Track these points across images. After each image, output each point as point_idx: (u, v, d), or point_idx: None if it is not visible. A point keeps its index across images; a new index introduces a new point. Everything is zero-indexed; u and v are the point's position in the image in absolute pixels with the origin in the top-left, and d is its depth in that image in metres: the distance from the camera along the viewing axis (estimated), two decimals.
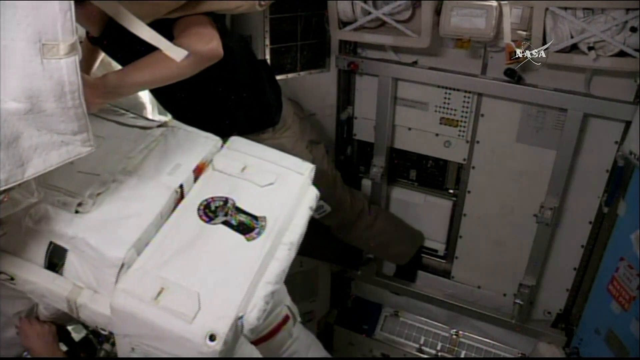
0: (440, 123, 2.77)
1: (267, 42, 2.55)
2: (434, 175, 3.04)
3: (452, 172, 2.98)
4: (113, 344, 1.59)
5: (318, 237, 2.87)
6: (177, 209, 1.53)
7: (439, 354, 3.26)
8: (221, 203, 1.55)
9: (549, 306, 2.97)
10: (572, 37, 2.10)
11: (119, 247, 1.35)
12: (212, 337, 1.25)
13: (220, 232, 1.48)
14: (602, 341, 2.47)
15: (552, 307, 2.96)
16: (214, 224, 1.50)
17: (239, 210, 1.54)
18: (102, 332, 1.55)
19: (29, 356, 1.73)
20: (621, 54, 2.06)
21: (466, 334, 3.29)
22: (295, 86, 2.72)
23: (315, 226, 2.68)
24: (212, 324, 1.27)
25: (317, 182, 2.44)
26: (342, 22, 2.46)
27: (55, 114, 1.12)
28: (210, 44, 1.48)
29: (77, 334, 1.88)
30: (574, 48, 2.16)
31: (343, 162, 3.12)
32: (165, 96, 2.07)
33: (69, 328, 1.86)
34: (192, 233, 1.46)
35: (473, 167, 2.83)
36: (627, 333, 2.28)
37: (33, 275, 1.43)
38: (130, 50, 1.64)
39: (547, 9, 2.07)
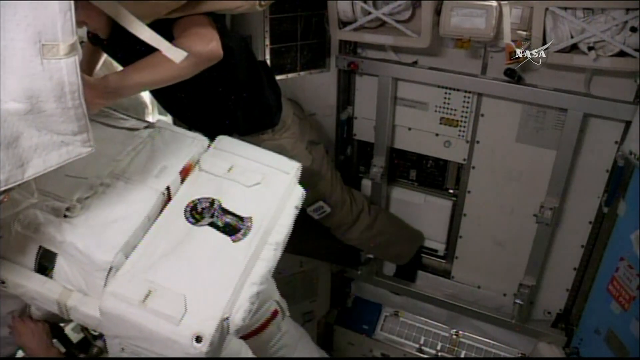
0: (440, 123, 2.77)
1: (267, 42, 2.55)
2: (434, 175, 3.04)
3: (452, 172, 2.98)
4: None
5: (318, 237, 2.88)
6: (164, 211, 1.56)
7: (439, 354, 3.26)
8: (207, 204, 1.57)
9: (549, 306, 2.97)
10: (572, 37, 2.10)
11: (107, 251, 1.38)
12: (198, 339, 1.28)
13: (207, 234, 1.50)
14: (602, 341, 2.47)
15: (552, 307, 2.96)
16: (201, 225, 1.52)
17: (225, 212, 1.56)
18: (93, 332, 1.59)
19: (23, 355, 1.74)
20: (621, 54, 2.06)
21: (466, 334, 3.29)
22: (295, 86, 2.72)
23: (315, 226, 2.69)
24: (198, 326, 1.30)
25: (316, 182, 2.46)
26: (342, 22, 2.46)
27: (55, 114, 1.12)
28: (210, 44, 1.48)
29: (76, 335, 1.88)
30: (574, 48, 2.16)
31: (343, 162, 3.12)
32: (165, 96, 2.07)
33: (68, 328, 1.86)
34: (179, 235, 1.49)
35: (473, 167, 2.83)
36: (627, 333, 2.27)
37: (23, 279, 1.45)
38: (130, 50, 1.64)
39: (547, 9, 2.07)
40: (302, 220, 2.63)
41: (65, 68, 1.08)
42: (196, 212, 1.55)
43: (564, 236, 2.74)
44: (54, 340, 1.72)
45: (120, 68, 2.03)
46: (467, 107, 2.68)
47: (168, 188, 1.58)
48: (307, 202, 2.54)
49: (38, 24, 1.03)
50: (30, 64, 1.06)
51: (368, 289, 3.49)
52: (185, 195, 1.59)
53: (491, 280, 3.08)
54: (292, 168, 1.77)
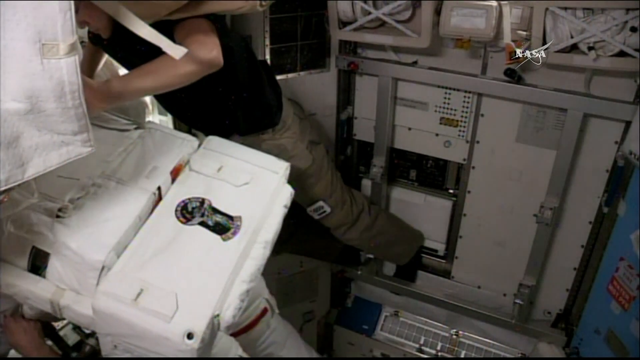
0: (440, 123, 2.77)
1: (267, 42, 2.55)
2: (434, 175, 3.04)
3: (452, 172, 2.98)
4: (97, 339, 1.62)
5: (318, 237, 2.88)
6: (155, 211, 1.58)
7: (439, 354, 3.26)
8: (198, 204, 1.60)
9: (549, 306, 2.97)
10: (572, 37, 2.10)
11: (99, 251, 1.40)
12: (189, 336, 1.31)
13: (197, 233, 1.53)
14: (602, 341, 2.47)
15: (552, 307, 2.96)
16: (191, 225, 1.55)
17: (215, 211, 1.59)
18: (86, 330, 1.60)
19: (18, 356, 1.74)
20: (621, 54, 2.06)
21: (466, 334, 3.29)
22: (295, 86, 2.72)
23: (315, 226, 2.69)
24: (189, 323, 1.32)
25: (317, 182, 2.46)
26: (342, 22, 2.46)
27: (55, 114, 1.12)
28: (211, 53, 1.50)
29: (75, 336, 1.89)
30: (574, 48, 2.16)
31: (343, 162, 3.12)
32: (165, 96, 2.06)
33: (69, 329, 1.87)
34: (169, 235, 1.51)
35: (473, 167, 2.83)
36: (627, 333, 2.27)
37: (17, 279, 1.47)
38: (131, 49, 1.64)
39: (547, 9, 2.07)
40: (302, 220, 2.65)
41: (66, 68, 1.08)
42: (186, 212, 1.57)
43: (564, 236, 2.74)
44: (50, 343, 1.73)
45: (120, 68, 2.04)
46: (467, 107, 2.68)
47: (159, 188, 1.61)
48: (307, 202, 2.55)
49: (38, 23, 1.03)
50: (30, 64, 1.06)
51: (368, 289, 3.49)
52: (175, 195, 1.62)
53: (491, 280, 3.08)
54: (281, 168, 1.80)
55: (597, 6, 2.02)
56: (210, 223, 1.55)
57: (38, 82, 1.07)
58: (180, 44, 1.47)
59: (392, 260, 3.25)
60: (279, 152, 2.22)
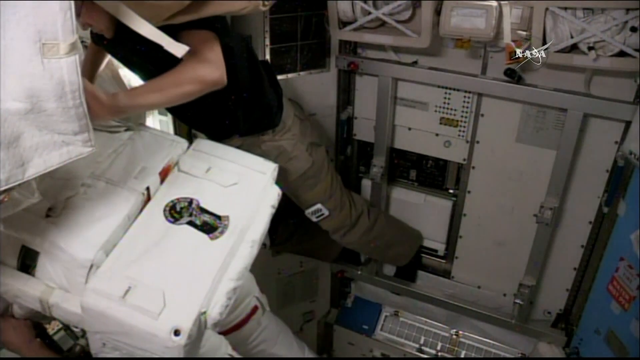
0: (440, 123, 2.77)
1: (267, 42, 2.54)
2: (434, 175, 3.04)
3: (452, 172, 2.98)
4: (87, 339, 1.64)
5: (318, 237, 2.88)
6: (144, 210, 1.60)
7: (439, 354, 3.26)
8: (186, 204, 1.62)
9: (549, 306, 2.97)
10: (572, 37, 2.10)
11: (88, 249, 1.43)
12: (176, 332, 1.33)
13: (185, 232, 1.56)
14: (602, 341, 2.47)
15: (552, 307, 2.96)
16: (179, 224, 1.57)
17: (203, 211, 1.61)
18: (75, 329, 1.63)
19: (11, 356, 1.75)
20: (621, 54, 2.06)
21: (466, 334, 3.28)
22: (295, 86, 2.72)
23: (315, 226, 2.69)
24: (176, 320, 1.35)
25: (315, 184, 2.45)
26: (342, 22, 2.46)
27: (55, 113, 1.12)
28: (216, 72, 1.53)
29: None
30: (574, 48, 2.16)
31: (343, 162, 3.12)
32: None
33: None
34: (158, 234, 1.53)
35: (473, 167, 2.83)
36: (627, 333, 2.27)
37: (6, 277, 1.48)
38: (131, 49, 1.64)
39: (547, 9, 2.07)
40: (302, 220, 2.65)
41: (66, 67, 1.09)
42: (175, 212, 1.60)
43: (564, 236, 2.74)
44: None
45: (121, 67, 2.03)
46: (467, 107, 2.68)
47: (148, 188, 1.63)
48: (305, 204, 2.54)
49: (38, 23, 1.03)
50: (30, 63, 1.06)
51: (368, 289, 3.49)
52: (164, 195, 1.65)
53: (491, 280, 3.08)
54: (269, 169, 1.83)
55: (597, 6, 2.02)
56: (198, 222, 1.58)
57: (38, 81, 1.07)
58: (187, 60, 1.49)
59: (391, 262, 3.25)
60: (278, 154, 2.22)
